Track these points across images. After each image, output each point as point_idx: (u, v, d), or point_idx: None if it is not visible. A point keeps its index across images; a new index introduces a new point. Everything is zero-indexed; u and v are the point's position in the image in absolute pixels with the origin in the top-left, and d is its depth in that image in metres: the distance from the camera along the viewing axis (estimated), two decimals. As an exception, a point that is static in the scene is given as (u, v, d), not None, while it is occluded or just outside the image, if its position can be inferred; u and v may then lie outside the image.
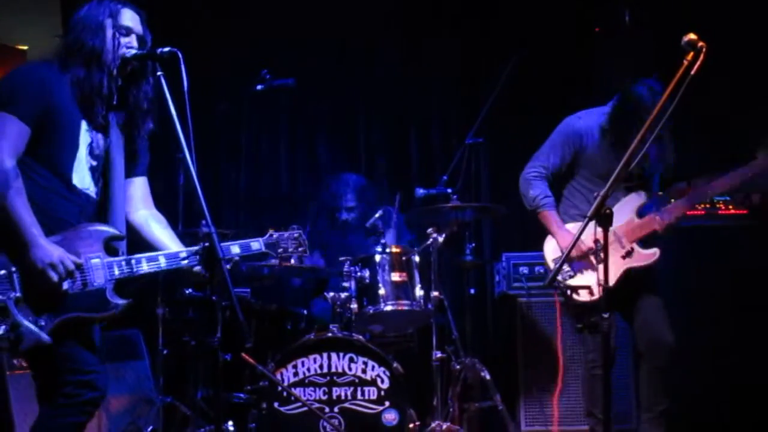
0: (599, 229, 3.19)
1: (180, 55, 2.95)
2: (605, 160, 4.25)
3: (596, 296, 4.09)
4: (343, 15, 6.07)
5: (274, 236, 3.41)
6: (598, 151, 4.32)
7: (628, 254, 4.21)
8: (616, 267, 4.16)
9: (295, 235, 3.45)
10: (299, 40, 6.04)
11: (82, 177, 3.08)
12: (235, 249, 3.27)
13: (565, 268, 4.25)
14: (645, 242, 4.25)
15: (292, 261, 3.44)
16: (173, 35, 3.26)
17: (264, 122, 6.12)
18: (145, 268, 3.07)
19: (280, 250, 3.40)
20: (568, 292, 4.17)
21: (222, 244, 3.14)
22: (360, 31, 6.19)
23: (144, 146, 3.29)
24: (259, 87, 4.91)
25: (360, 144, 6.27)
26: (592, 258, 4.21)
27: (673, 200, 4.29)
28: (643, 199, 4.30)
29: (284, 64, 5.33)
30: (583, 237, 3.49)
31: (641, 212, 4.28)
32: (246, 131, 6.11)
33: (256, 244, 3.35)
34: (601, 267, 4.10)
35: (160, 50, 3.02)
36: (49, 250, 2.86)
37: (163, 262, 3.10)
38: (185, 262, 3.12)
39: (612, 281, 4.04)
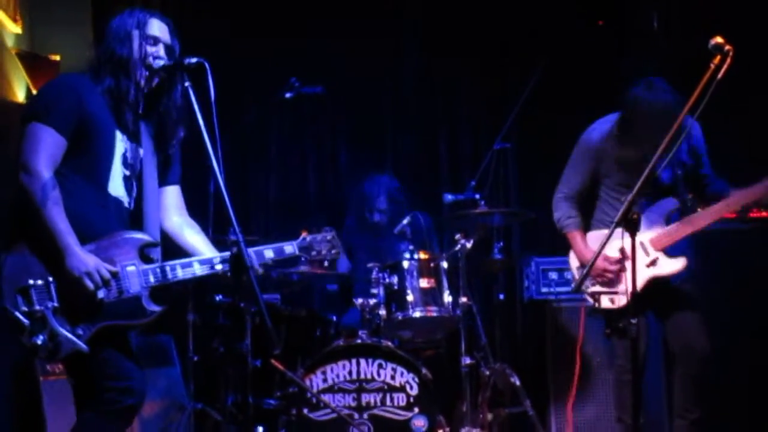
0: (625, 237, 3.18)
1: (207, 66, 2.99)
2: (622, 168, 4.23)
3: (622, 304, 4.08)
4: (371, 20, 6.10)
5: (308, 239, 3.38)
6: (614, 159, 4.30)
7: (653, 263, 4.15)
8: (641, 275, 4.09)
9: (329, 237, 3.40)
10: (328, 45, 6.07)
11: (116, 186, 3.12)
12: (269, 253, 3.26)
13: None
14: (672, 251, 4.21)
15: (326, 263, 3.38)
16: (203, 44, 3.30)
17: (293, 129, 6.16)
18: (180, 274, 3.09)
19: (313, 253, 3.37)
20: (594, 298, 4.15)
21: (256, 248, 3.20)
22: (388, 36, 6.21)
23: (176, 155, 3.32)
24: (287, 95, 4.94)
25: (388, 149, 6.30)
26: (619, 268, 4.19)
27: (701, 209, 4.20)
28: (672, 206, 4.24)
29: (313, 71, 5.36)
30: (608, 246, 3.47)
31: (669, 220, 4.23)
32: (275, 139, 6.18)
33: (290, 248, 3.33)
34: (625, 275, 4.14)
35: (187, 60, 3.05)
36: (85, 259, 2.90)
37: (197, 269, 3.12)
38: (219, 267, 3.14)
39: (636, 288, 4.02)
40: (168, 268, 3.07)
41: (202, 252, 3.24)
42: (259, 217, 6.09)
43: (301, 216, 6.04)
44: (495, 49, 6.16)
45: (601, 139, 4.32)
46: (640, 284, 4.06)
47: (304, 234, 3.39)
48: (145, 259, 3.07)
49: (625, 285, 4.14)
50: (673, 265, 4.15)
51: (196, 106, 2.94)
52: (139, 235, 3.08)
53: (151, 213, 3.19)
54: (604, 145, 4.30)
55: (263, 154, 6.16)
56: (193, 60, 3.04)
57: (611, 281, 4.17)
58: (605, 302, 4.13)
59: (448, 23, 6.18)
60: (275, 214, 6.11)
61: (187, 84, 3.00)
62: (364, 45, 6.12)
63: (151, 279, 3.04)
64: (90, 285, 2.89)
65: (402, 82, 6.25)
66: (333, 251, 3.42)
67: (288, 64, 5.69)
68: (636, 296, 3.20)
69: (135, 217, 3.18)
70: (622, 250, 4.10)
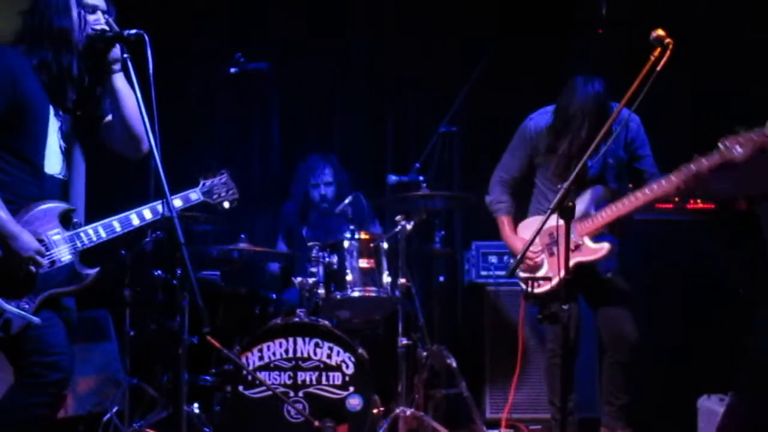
0: (555, 222, 3.22)
1: (146, 38, 2.94)
2: (554, 157, 4.29)
3: (545, 289, 4.14)
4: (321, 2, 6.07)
5: (207, 183, 3.51)
6: (547, 149, 4.35)
7: (577, 248, 4.18)
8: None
9: (224, 179, 3.57)
10: (276, 24, 6.01)
11: (53, 163, 3.07)
12: (178, 202, 3.34)
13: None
14: (598, 239, 4.24)
15: (226, 204, 3.54)
16: (147, 17, 3.25)
17: (238, 107, 6.09)
18: (103, 235, 3.10)
19: (214, 196, 3.52)
20: (525, 283, 4.21)
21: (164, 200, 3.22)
22: (337, 16, 6.16)
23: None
24: (232, 70, 4.89)
25: (334, 129, 6.27)
26: (545, 253, 4.25)
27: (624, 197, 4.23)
28: (600, 193, 4.29)
29: (260, 49, 5.31)
30: (532, 232, 3.52)
31: (597, 207, 4.28)
32: (219, 115, 6.11)
33: (195, 194, 3.46)
34: (548, 261, 4.21)
35: (126, 32, 3.00)
36: (29, 241, 2.89)
37: (117, 227, 3.14)
38: (137, 222, 3.18)
39: (561, 274, 4.07)
40: (91, 231, 3.08)
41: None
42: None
43: (244, 194, 5.98)
44: (445, 32, 6.15)
45: (537, 128, 4.39)
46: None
47: (203, 180, 3.51)
48: (68, 225, 3.07)
49: (549, 270, 4.21)
50: (595, 251, 4.20)
51: (134, 80, 2.90)
52: (54, 204, 3.05)
53: (76, 182, 3.19)
54: (540, 134, 4.37)
55: (207, 131, 6.09)
56: (133, 32, 2.99)
57: (535, 266, 4.24)
58: (537, 286, 4.18)
59: (399, 5, 6.16)
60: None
61: (125, 56, 2.96)
62: (312, 23, 6.07)
63: (78, 243, 3.05)
64: (33, 268, 2.91)
65: (350, 62, 6.22)
66: (230, 192, 3.58)
67: (235, 40, 5.63)
68: (564, 281, 3.24)
69: (66, 188, 3.17)
70: (550, 235, 4.16)
